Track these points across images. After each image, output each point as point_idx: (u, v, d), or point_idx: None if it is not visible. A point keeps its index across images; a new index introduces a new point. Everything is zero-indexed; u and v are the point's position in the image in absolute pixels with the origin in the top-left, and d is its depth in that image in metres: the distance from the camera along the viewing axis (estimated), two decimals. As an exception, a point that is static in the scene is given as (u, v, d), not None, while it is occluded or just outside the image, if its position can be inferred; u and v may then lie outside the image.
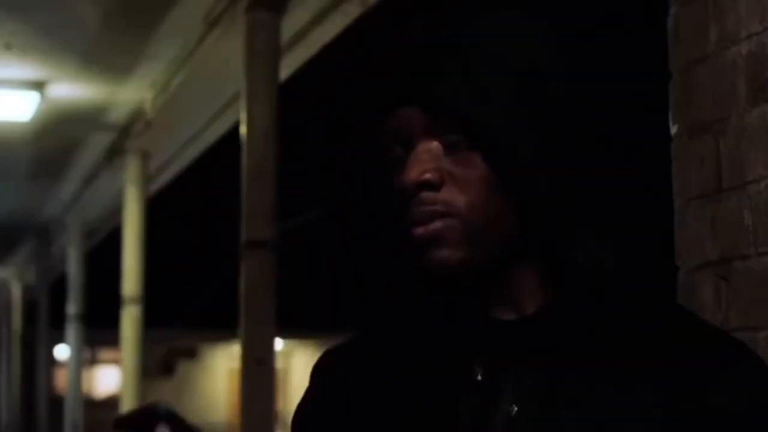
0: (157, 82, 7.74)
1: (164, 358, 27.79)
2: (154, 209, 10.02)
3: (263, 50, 5.43)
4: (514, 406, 1.21)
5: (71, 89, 7.97)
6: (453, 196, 1.22)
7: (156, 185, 10.66)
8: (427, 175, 1.21)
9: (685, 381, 1.19)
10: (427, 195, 1.22)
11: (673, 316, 1.26)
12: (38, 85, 7.79)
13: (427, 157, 1.22)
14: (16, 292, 19.46)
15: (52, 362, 22.22)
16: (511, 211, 1.22)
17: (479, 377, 1.23)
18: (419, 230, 1.22)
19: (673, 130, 2.30)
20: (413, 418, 1.26)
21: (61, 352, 22.26)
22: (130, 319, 9.00)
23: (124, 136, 9.01)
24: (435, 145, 1.23)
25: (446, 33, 1.25)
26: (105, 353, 27.04)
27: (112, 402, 18.35)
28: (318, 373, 1.40)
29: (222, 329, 20.00)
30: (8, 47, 6.96)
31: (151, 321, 9.39)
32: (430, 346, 1.28)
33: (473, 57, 1.23)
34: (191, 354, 28.63)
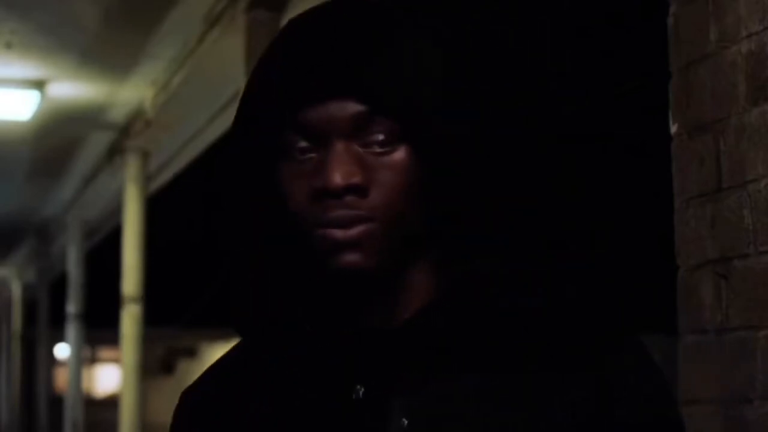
0: (157, 81, 7.74)
1: (164, 357, 27.79)
2: (154, 208, 10.02)
3: (263, 49, 5.43)
4: (404, 420, 1.16)
5: (71, 88, 7.97)
6: (377, 201, 1.16)
7: (156, 184, 10.65)
8: (355, 179, 1.16)
9: (590, 391, 1.16)
10: (352, 199, 1.16)
11: (573, 321, 1.20)
12: (38, 84, 7.78)
13: (350, 159, 1.16)
14: (16, 291, 19.45)
15: (52, 361, 22.21)
16: (420, 210, 1.18)
17: (361, 395, 1.18)
18: (338, 233, 1.16)
19: (673, 129, 2.31)
20: None
21: (61, 351, 22.26)
22: (130, 318, 8.99)
23: (124, 135, 9.01)
24: (356, 145, 1.17)
25: (374, 18, 1.19)
26: (105, 352, 27.04)
27: (112, 401, 18.35)
28: (181, 417, 1.30)
29: (222, 328, 19.99)
30: (8, 46, 6.96)
31: (151, 320, 9.38)
32: (304, 367, 1.22)
33: (407, 42, 1.18)
34: (191, 353, 28.64)
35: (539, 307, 1.21)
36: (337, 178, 1.15)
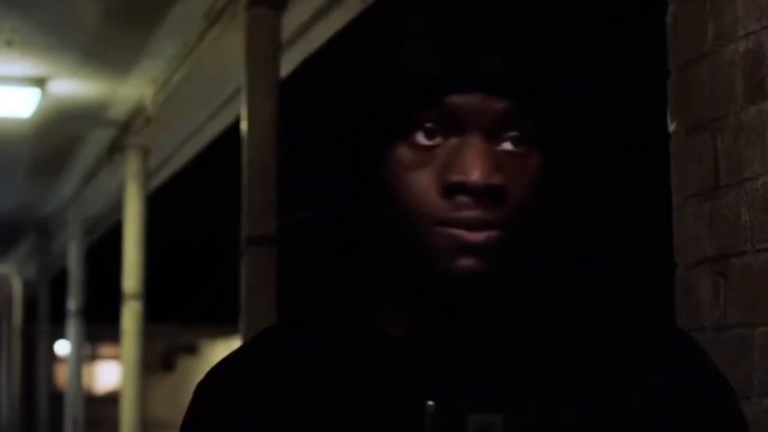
0: (157, 79, 7.75)
1: (165, 353, 27.79)
2: (155, 205, 10.03)
3: (264, 47, 5.44)
4: None
5: (72, 86, 7.97)
6: (511, 207, 1.08)
7: (156, 181, 10.66)
8: (496, 180, 1.06)
9: (672, 391, 1.14)
10: (488, 201, 1.07)
11: (642, 323, 1.18)
12: (39, 82, 7.79)
13: (489, 156, 1.07)
14: (17, 287, 19.46)
15: (53, 358, 22.22)
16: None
17: (432, 411, 1.09)
18: (466, 235, 1.07)
19: (672, 127, 2.32)
20: None
21: (62, 347, 22.27)
22: (130, 314, 9.00)
23: (125, 132, 9.02)
24: (491, 143, 1.08)
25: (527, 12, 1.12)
26: (105, 349, 27.05)
27: (112, 398, 18.35)
28: (210, 396, 1.18)
29: (222, 325, 19.98)
30: (9, 44, 6.96)
31: (151, 317, 9.39)
32: (370, 370, 1.13)
33: (550, 41, 1.11)
34: (192, 350, 28.64)
35: (609, 309, 1.18)
36: (479, 176, 1.06)
